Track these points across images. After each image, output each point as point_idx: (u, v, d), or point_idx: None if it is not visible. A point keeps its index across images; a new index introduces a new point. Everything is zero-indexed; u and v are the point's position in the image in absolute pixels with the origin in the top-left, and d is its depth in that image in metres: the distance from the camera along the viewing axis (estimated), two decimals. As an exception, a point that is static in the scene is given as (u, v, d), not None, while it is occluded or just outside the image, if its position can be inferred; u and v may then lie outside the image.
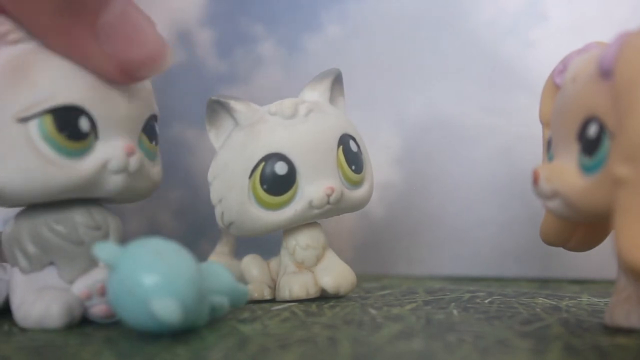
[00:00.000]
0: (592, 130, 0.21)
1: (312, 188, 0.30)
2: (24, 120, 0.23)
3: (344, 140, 0.31)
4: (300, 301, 0.30)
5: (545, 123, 0.27)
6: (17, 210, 0.26)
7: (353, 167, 0.31)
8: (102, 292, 0.25)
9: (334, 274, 0.31)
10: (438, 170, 0.43)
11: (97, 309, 0.25)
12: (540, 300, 0.30)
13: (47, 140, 0.24)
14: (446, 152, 0.43)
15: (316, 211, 0.30)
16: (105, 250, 0.22)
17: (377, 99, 0.43)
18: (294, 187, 0.30)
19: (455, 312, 0.27)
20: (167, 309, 0.21)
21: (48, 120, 0.24)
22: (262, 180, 0.30)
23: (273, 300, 0.31)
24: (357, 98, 0.41)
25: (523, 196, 0.40)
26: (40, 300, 0.24)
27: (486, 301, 0.30)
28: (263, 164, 0.30)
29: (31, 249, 0.25)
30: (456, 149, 0.42)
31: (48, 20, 0.23)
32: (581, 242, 0.26)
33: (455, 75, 0.43)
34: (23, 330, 0.25)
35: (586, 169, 0.22)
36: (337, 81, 0.33)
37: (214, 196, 0.31)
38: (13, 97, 0.23)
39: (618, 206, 0.20)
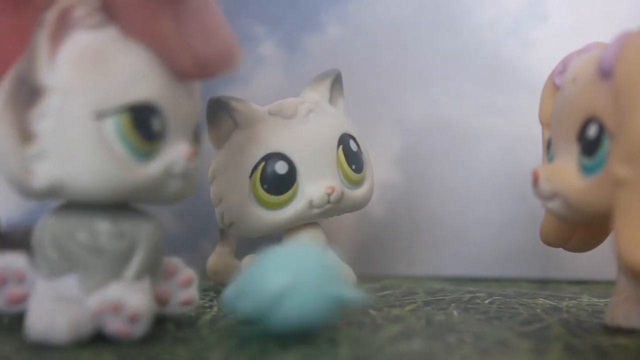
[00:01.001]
0: (592, 130, 0.22)
1: (313, 187, 0.30)
2: (100, 115, 0.21)
3: (344, 140, 0.31)
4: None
5: (545, 123, 0.27)
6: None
7: (353, 167, 0.31)
8: (117, 309, 0.22)
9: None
10: (438, 171, 0.43)
11: (112, 326, 0.22)
12: (541, 300, 0.30)
13: (122, 139, 0.22)
14: (446, 153, 0.43)
15: (316, 210, 0.30)
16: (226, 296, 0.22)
17: (378, 99, 0.43)
18: (294, 187, 0.30)
19: (455, 312, 0.27)
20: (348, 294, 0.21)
21: (125, 118, 0.22)
22: (263, 180, 0.30)
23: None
24: (357, 98, 0.41)
25: (523, 197, 0.40)
26: (48, 312, 0.22)
27: (486, 302, 0.30)
28: (263, 163, 0.30)
29: (51, 254, 0.23)
30: (456, 149, 0.42)
31: (133, 4, 0.22)
32: (581, 243, 0.26)
33: (455, 76, 0.43)
34: (23, 326, 0.24)
35: (586, 170, 0.22)
36: (337, 82, 0.33)
37: (214, 197, 0.31)
38: (90, 89, 0.21)
39: (618, 207, 0.20)
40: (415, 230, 0.43)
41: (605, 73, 0.21)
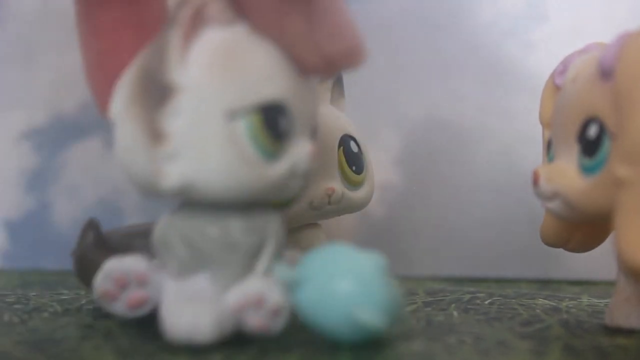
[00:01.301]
0: (593, 131, 0.22)
1: (313, 188, 0.30)
2: (233, 115, 0.21)
3: (345, 141, 0.31)
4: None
5: (545, 124, 0.27)
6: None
7: (354, 168, 0.31)
8: (259, 304, 0.22)
9: None
10: (438, 171, 0.43)
11: (253, 321, 0.22)
12: (541, 301, 0.30)
13: (253, 140, 0.21)
14: (446, 153, 0.43)
15: (317, 212, 0.30)
16: (283, 271, 0.21)
17: (378, 100, 0.43)
18: None
19: (455, 313, 0.27)
20: (370, 316, 0.20)
21: (256, 118, 0.21)
22: None
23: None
24: (358, 99, 0.41)
25: (523, 197, 0.39)
26: (189, 312, 0.22)
27: (486, 302, 0.30)
28: None
29: (182, 252, 0.22)
30: (456, 150, 0.42)
31: (265, 2, 0.21)
32: (581, 243, 0.26)
33: (455, 76, 0.43)
34: (23, 320, 0.25)
35: (586, 170, 0.22)
36: (338, 83, 0.33)
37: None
38: (223, 88, 0.21)
39: (618, 207, 0.20)
40: (415, 231, 0.43)
41: (605, 73, 0.21)
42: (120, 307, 0.23)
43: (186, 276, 0.22)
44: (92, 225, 0.30)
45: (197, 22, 0.21)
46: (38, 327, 0.24)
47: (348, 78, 0.34)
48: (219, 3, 0.22)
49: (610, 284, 0.24)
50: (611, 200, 0.20)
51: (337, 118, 0.32)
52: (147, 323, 0.25)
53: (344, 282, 0.21)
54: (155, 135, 0.21)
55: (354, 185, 0.31)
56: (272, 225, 0.23)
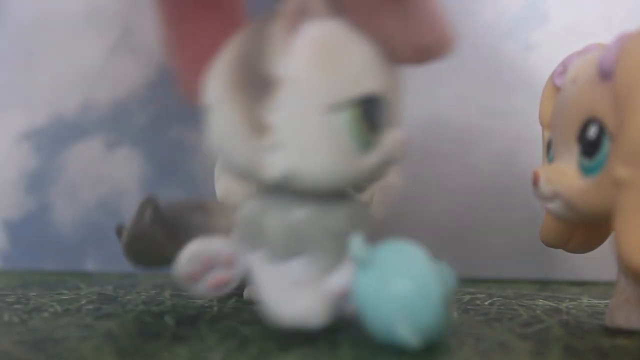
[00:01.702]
0: (592, 131, 0.22)
1: None
2: (334, 108, 0.21)
3: None
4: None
5: (545, 124, 0.27)
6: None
7: None
8: None
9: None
10: (438, 172, 0.43)
11: (351, 308, 0.22)
12: (541, 302, 0.30)
13: (352, 132, 0.22)
14: (446, 154, 0.42)
15: None
16: (360, 246, 0.21)
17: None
18: None
19: (455, 314, 0.27)
20: (408, 334, 0.20)
21: (356, 110, 0.22)
22: None
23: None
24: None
25: (523, 198, 0.39)
26: (300, 296, 0.22)
27: (486, 303, 0.30)
28: None
29: (282, 237, 0.23)
30: (456, 151, 0.42)
31: None
32: (581, 244, 0.26)
33: (455, 77, 0.43)
34: (23, 320, 0.25)
35: (586, 171, 0.22)
36: None
37: (219, 195, 0.31)
38: (324, 82, 0.21)
39: (618, 207, 0.20)
40: (414, 232, 0.43)
41: (605, 74, 0.21)
42: (201, 287, 0.23)
43: (281, 261, 0.23)
44: (150, 202, 0.29)
45: (301, 15, 0.21)
46: (38, 327, 0.24)
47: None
48: None
49: (611, 284, 0.24)
50: (611, 200, 0.20)
51: None
52: (147, 323, 0.25)
53: (402, 284, 0.20)
54: (256, 126, 0.21)
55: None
56: (364, 211, 0.24)
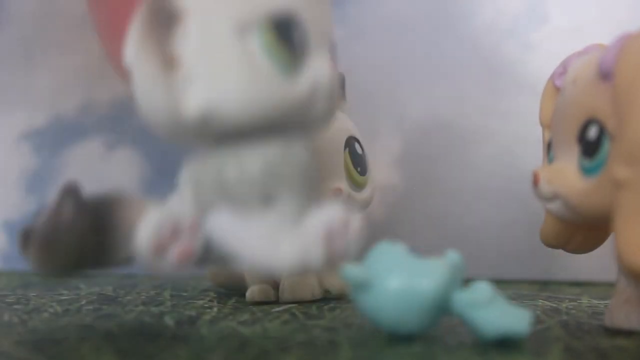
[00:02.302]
0: (592, 132, 0.22)
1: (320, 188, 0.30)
2: (244, 29, 0.20)
3: (350, 143, 0.31)
4: (303, 302, 0.30)
5: (545, 125, 0.27)
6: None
7: (359, 169, 0.31)
8: (344, 229, 0.21)
9: (339, 275, 0.31)
10: (438, 172, 0.43)
11: (337, 245, 0.21)
12: (541, 302, 0.30)
13: (267, 52, 0.20)
14: (446, 154, 0.43)
15: None
16: (354, 271, 0.21)
17: (378, 101, 0.43)
18: None
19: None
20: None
21: (269, 29, 0.20)
22: None
23: (276, 302, 0.31)
24: (358, 100, 0.41)
25: (523, 198, 0.40)
26: (294, 240, 0.20)
27: (486, 303, 0.30)
28: None
29: (258, 185, 0.21)
30: (456, 151, 0.42)
31: None
32: (581, 244, 0.26)
33: (455, 77, 0.43)
34: (23, 320, 0.25)
35: (586, 171, 0.22)
36: (340, 85, 0.33)
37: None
38: (231, 3, 0.20)
39: (618, 208, 0.20)
40: (415, 232, 0.43)
41: (605, 75, 0.21)
42: (167, 260, 0.21)
43: (254, 211, 0.21)
44: (72, 191, 0.24)
45: None
46: (38, 327, 0.24)
47: (348, 78, 0.34)
48: None
49: (611, 285, 0.24)
50: (611, 201, 0.20)
51: (342, 120, 0.32)
52: (147, 323, 0.25)
53: (426, 281, 0.21)
54: (168, 62, 0.20)
55: (359, 186, 0.32)
56: (305, 147, 0.22)
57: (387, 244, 0.22)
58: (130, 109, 0.46)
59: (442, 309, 0.21)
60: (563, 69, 0.25)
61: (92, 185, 0.48)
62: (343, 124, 0.32)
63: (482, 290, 0.21)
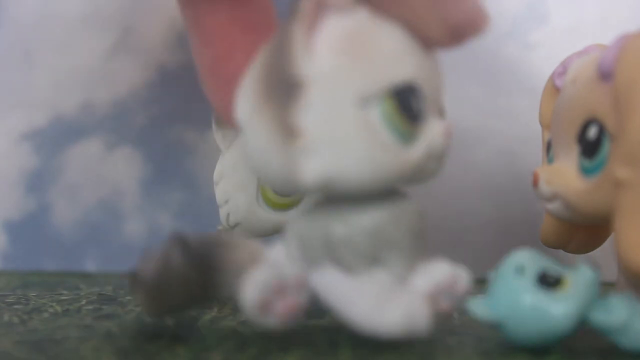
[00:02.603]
0: (592, 132, 0.22)
1: None
2: (366, 101, 0.20)
3: None
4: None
5: (545, 125, 0.27)
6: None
7: None
8: (451, 287, 0.22)
9: None
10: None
11: (443, 305, 0.22)
12: (540, 302, 0.30)
13: (388, 124, 0.21)
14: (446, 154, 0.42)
15: None
16: (482, 309, 0.20)
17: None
18: None
19: (455, 314, 0.27)
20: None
21: (389, 101, 0.21)
22: None
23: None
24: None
25: (523, 198, 0.39)
26: (399, 303, 0.21)
27: (486, 303, 0.30)
28: None
29: (366, 246, 0.21)
30: (456, 151, 0.42)
31: None
32: (581, 245, 0.26)
33: (454, 77, 0.42)
34: (23, 320, 0.25)
35: (586, 171, 0.22)
36: None
37: (220, 197, 0.31)
38: (354, 76, 0.20)
39: (618, 208, 0.20)
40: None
41: (605, 75, 0.21)
42: (273, 316, 0.21)
43: (359, 271, 0.21)
44: (179, 240, 0.25)
45: (320, 11, 0.20)
46: (38, 327, 0.24)
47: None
48: None
49: (610, 285, 0.24)
50: (611, 201, 0.20)
51: None
52: (147, 323, 0.25)
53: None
54: (289, 132, 0.20)
55: None
56: (419, 207, 0.23)
57: (512, 271, 0.22)
58: (130, 109, 0.46)
59: (579, 327, 0.20)
60: (563, 69, 0.25)
61: (92, 185, 0.48)
62: None
63: (618, 310, 0.20)
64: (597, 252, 0.26)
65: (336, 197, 0.21)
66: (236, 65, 0.23)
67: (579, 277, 0.20)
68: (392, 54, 0.21)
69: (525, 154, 0.41)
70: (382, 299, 0.21)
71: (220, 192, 0.31)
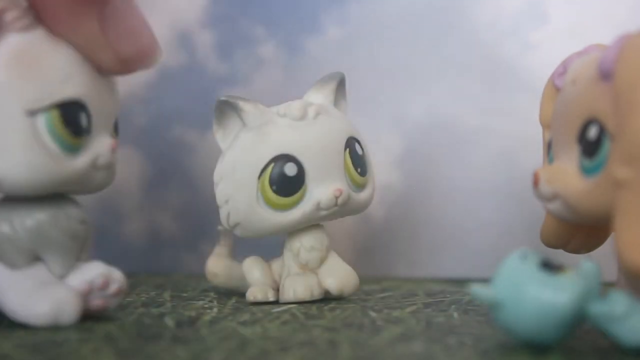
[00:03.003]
0: (593, 132, 0.22)
1: (321, 190, 0.30)
2: (33, 113, 0.23)
3: (350, 143, 0.31)
4: (303, 303, 0.30)
5: (545, 125, 0.27)
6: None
7: (359, 170, 0.31)
8: (104, 287, 0.25)
9: (338, 275, 0.31)
10: (438, 172, 0.43)
11: (94, 303, 0.25)
12: (541, 302, 0.30)
13: (53, 135, 0.24)
14: (446, 154, 0.42)
15: (324, 212, 0.30)
16: (483, 290, 0.21)
17: (378, 100, 0.43)
18: (302, 189, 0.30)
19: (455, 314, 0.27)
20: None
21: (55, 115, 0.23)
22: (272, 181, 0.30)
23: (276, 302, 0.31)
24: (358, 100, 0.41)
25: (523, 198, 0.39)
26: (50, 296, 0.24)
27: (486, 303, 0.30)
28: (272, 164, 0.30)
29: (26, 244, 0.25)
30: (456, 151, 0.42)
31: (58, 6, 0.23)
32: (581, 245, 0.26)
33: (455, 77, 0.43)
34: (23, 326, 0.25)
35: (586, 171, 0.22)
36: (341, 85, 0.33)
37: (220, 197, 0.31)
38: (22, 89, 0.23)
39: (618, 208, 0.20)
40: (415, 232, 0.43)
41: (605, 75, 0.21)
42: None
43: (27, 266, 0.25)
44: None
45: None
46: (38, 331, 0.24)
47: (348, 78, 0.34)
48: (16, 9, 0.23)
49: (610, 285, 0.24)
50: (611, 201, 0.20)
51: (342, 120, 0.32)
52: (147, 325, 0.25)
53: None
54: None
55: (359, 187, 0.32)
56: (84, 213, 0.26)
57: (517, 256, 0.21)
58: (130, 109, 0.46)
59: (578, 321, 0.20)
60: (563, 69, 0.25)
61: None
62: (343, 125, 0.32)
63: (618, 301, 0.20)
64: (597, 252, 0.26)
65: (4, 199, 0.25)
66: None
67: (581, 269, 0.21)
68: (61, 72, 0.24)
69: (526, 154, 0.41)
70: (34, 292, 0.24)
71: (220, 192, 0.31)
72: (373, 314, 0.27)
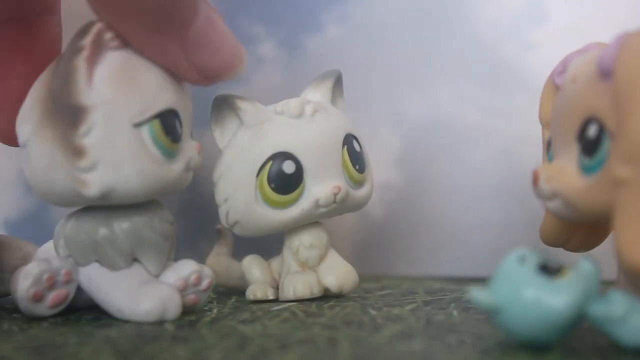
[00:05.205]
0: (592, 130, 0.22)
1: (319, 187, 0.30)
2: (138, 124, 0.25)
3: (348, 141, 0.31)
4: (303, 301, 0.30)
5: (545, 124, 0.27)
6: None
7: (357, 167, 0.31)
8: (197, 283, 0.27)
9: (338, 273, 0.31)
10: (438, 171, 0.43)
11: (188, 299, 0.27)
12: (540, 301, 0.30)
13: (156, 144, 0.25)
14: (446, 153, 0.42)
15: (322, 210, 0.30)
16: (482, 295, 0.20)
17: (377, 99, 0.43)
18: (301, 186, 0.30)
19: (455, 312, 0.27)
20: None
21: (157, 124, 0.25)
22: (270, 179, 0.30)
23: (276, 300, 0.31)
24: (357, 98, 0.41)
25: (523, 197, 0.40)
26: (155, 293, 0.25)
27: (486, 302, 0.30)
28: (271, 162, 0.30)
29: (125, 245, 0.26)
30: (456, 150, 0.42)
31: (143, 36, 0.24)
32: (581, 243, 0.26)
33: (455, 76, 0.43)
34: (22, 329, 0.25)
35: (586, 170, 0.22)
36: (338, 82, 0.33)
37: (219, 196, 0.31)
38: (128, 103, 0.24)
39: (618, 206, 0.20)
40: (414, 231, 0.43)
41: (605, 73, 0.21)
42: (43, 306, 0.26)
43: (127, 267, 0.26)
44: None
45: (98, 47, 0.24)
46: (38, 335, 0.24)
47: (348, 78, 0.34)
48: (111, 31, 0.25)
49: (610, 284, 0.24)
50: (611, 199, 0.20)
51: (340, 117, 0.32)
52: (147, 329, 0.25)
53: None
54: (75, 152, 0.24)
55: (357, 184, 0.32)
56: (170, 215, 0.28)
57: (514, 259, 0.21)
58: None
59: (578, 321, 0.20)
60: (563, 68, 0.25)
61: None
62: (341, 122, 0.32)
63: (618, 301, 0.20)
64: (596, 251, 0.26)
65: (99, 207, 0.26)
66: (12, 88, 0.27)
67: (580, 269, 0.20)
68: (157, 84, 0.25)
69: (525, 152, 0.41)
70: (139, 291, 0.26)
71: (219, 191, 0.31)
72: (373, 311, 0.27)
